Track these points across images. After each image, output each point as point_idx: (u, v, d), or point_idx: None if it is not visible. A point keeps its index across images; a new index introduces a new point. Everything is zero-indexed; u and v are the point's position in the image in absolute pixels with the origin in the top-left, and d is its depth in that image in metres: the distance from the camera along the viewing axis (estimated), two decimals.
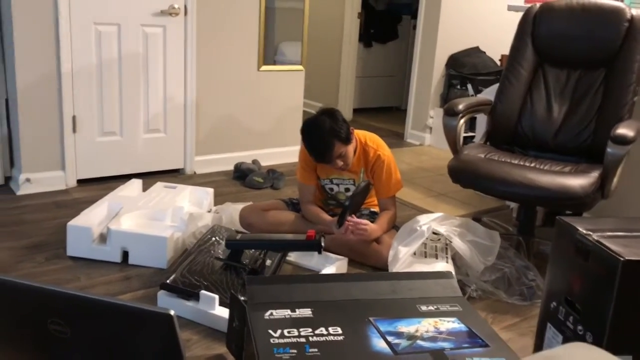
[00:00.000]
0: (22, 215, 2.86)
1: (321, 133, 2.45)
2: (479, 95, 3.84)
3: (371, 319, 1.56)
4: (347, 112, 5.85)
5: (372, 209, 2.74)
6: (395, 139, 5.09)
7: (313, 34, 4.54)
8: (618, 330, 1.48)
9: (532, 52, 2.81)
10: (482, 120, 3.22)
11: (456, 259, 2.34)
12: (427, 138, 4.98)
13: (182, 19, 3.48)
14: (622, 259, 1.44)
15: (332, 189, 2.72)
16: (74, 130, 3.24)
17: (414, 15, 5.67)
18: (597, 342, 1.50)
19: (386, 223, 2.58)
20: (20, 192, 3.14)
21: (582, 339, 1.56)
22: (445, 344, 1.45)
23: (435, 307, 1.64)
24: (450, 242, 2.31)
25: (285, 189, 3.55)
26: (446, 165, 2.60)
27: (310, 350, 1.39)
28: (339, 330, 1.48)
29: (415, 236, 2.31)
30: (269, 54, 3.89)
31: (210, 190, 3.00)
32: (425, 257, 2.31)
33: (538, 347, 1.79)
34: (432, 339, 1.48)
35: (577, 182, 2.29)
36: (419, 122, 5.04)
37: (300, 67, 4.07)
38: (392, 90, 6.51)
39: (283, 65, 3.99)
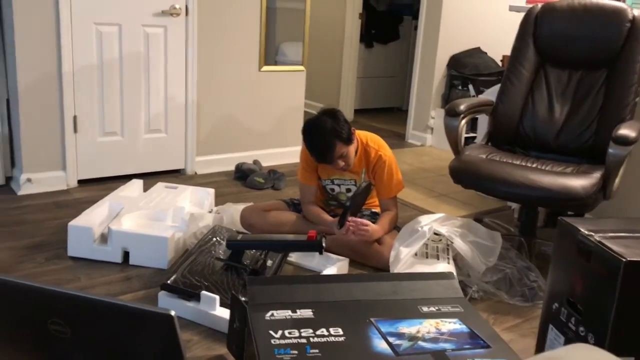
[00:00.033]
0: (23, 216, 2.86)
1: (322, 133, 2.44)
2: (480, 96, 3.83)
3: (372, 319, 1.55)
4: (348, 113, 5.85)
5: (373, 210, 2.74)
6: (397, 139, 5.09)
7: (314, 34, 4.54)
8: (620, 331, 1.47)
9: (534, 53, 2.80)
10: (483, 120, 3.22)
11: (457, 259, 2.34)
12: (429, 139, 4.98)
13: (183, 19, 3.48)
14: (624, 259, 1.44)
15: (333, 190, 2.71)
16: (75, 131, 3.24)
17: (415, 16, 5.68)
18: (599, 343, 1.49)
19: (387, 224, 2.58)
20: (21, 192, 3.14)
21: (584, 340, 1.56)
22: (447, 345, 1.45)
23: (436, 308, 1.64)
24: (452, 242, 2.31)
25: (286, 189, 3.55)
26: (447, 166, 2.59)
27: (311, 351, 1.39)
28: (340, 331, 1.48)
29: (417, 237, 2.31)
30: (270, 55, 3.89)
31: (211, 191, 3.00)
32: (427, 257, 2.31)
33: (540, 348, 1.79)
34: (434, 340, 1.48)
35: (579, 182, 2.29)
36: (420, 123, 5.03)
37: (301, 68, 4.07)
38: (394, 91, 6.51)
39: (284, 66, 3.99)
